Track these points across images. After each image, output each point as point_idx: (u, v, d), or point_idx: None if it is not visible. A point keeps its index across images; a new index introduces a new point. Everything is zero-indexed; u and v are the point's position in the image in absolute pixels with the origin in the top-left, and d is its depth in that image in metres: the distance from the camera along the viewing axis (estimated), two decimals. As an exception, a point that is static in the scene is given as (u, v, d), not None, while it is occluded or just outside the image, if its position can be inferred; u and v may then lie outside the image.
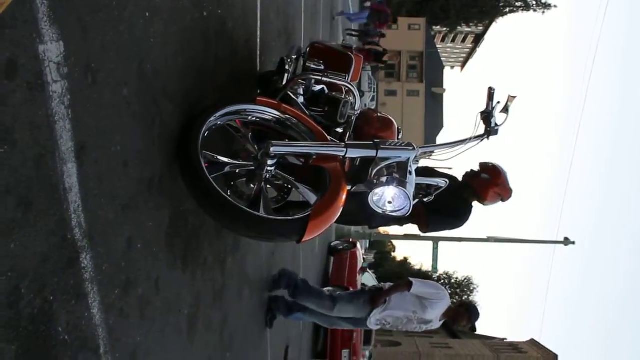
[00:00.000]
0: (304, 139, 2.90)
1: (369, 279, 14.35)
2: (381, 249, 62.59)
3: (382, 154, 2.79)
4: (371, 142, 2.83)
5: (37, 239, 1.48)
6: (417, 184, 3.69)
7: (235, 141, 2.87)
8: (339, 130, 3.17)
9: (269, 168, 2.67)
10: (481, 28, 64.78)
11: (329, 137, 2.92)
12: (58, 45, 1.52)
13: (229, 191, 2.78)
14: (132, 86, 2.03)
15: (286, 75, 3.21)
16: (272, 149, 2.58)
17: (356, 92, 3.19)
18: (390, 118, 3.34)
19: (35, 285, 1.48)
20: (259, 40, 4.23)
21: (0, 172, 1.34)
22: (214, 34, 3.01)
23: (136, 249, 2.13)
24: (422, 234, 19.55)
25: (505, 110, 3.27)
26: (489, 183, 4.11)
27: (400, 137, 3.38)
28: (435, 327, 4.96)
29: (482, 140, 3.32)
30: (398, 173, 2.78)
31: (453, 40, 72.16)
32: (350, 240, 15.72)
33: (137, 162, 2.13)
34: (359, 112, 3.20)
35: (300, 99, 3.28)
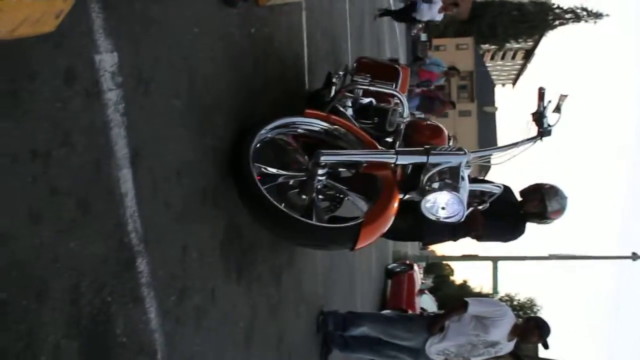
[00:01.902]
0: (354, 148, 2.91)
1: (427, 302, 14.06)
2: (439, 272, 61.37)
3: (433, 159, 2.76)
4: (422, 148, 2.81)
5: (95, 240, 1.54)
6: (470, 191, 3.65)
7: (286, 153, 2.90)
8: (389, 139, 3.17)
9: (319, 177, 2.68)
10: (531, 43, 63.66)
11: (379, 146, 2.92)
12: (112, 56, 1.60)
13: (282, 203, 2.81)
14: (184, 98, 2.10)
15: (333, 88, 3.25)
16: (322, 158, 2.59)
17: (404, 100, 3.18)
18: (440, 125, 3.31)
19: (94, 285, 1.53)
20: (306, 60, 4.31)
21: (61, 174, 1.40)
22: (261, 53, 3.08)
23: (191, 257, 2.17)
24: (479, 255, 19.08)
25: (558, 109, 3.18)
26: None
27: (451, 143, 3.34)
28: (507, 350, 4.60)
29: (535, 142, 3.24)
30: (450, 178, 2.74)
31: (503, 58, 71.07)
32: (407, 262, 15.51)
33: (190, 172, 2.18)
34: (407, 120, 3.19)
35: (349, 111, 3.31)
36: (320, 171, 2.67)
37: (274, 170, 2.73)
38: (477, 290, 49.54)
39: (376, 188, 2.73)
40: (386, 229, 2.62)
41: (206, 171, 2.35)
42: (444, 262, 38.90)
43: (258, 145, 2.65)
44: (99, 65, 1.55)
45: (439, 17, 11.56)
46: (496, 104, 57.37)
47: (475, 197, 3.67)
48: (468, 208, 3.73)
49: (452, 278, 62.40)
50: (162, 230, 1.94)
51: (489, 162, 3.14)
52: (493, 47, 64.99)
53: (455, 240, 4.60)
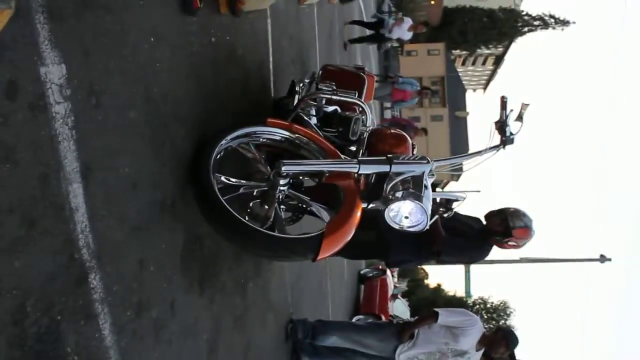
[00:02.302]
0: (317, 157, 2.90)
1: (400, 306, 14.12)
2: (413, 276, 61.74)
3: (395, 168, 2.77)
4: (384, 157, 2.81)
5: (42, 258, 1.50)
6: (435, 200, 3.67)
7: (249, 163, 2.87)
8: (353, 148, 3.17)
9: (281, 188, 2.67)
10: (501, 49, 64.63)
11: (342, 155, 2.92)
12: (60, 68, 1.56)
13: (244, 213, 2.78)
14: (139, 109, 2.07)
15: (297, 96, 3.24)
16: (283, 168, 2.58)
17: (367, 109, 3.19)
18: (404, 134, 3.32)
19: (41, 303, 1.48)
20: (271, 66, 4.29)
21: (1, 191, 1.36)
22: (223, 61, 3.06)
23: (148, 271, 2.14)
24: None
25: (520, 118, 3.24)
26: (513, 246, 4.06)
27: (414, 152, 3.36)
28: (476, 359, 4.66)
29: (498, 150, 3.29)
30: (413, 187, 2.75)
31: (473, 63, 71.98)
32: (380, 267, 15.56)
33: (147, 184, 2.15)
34: (370, 129, 3.19)
35: (314, 120, 3.30)
36: (282, 181, 2.65)
37: (234, 181, 2.70)
38: (451, 293, 49.91)
39: (339, 198, 2.72)
40: (348, 238, 2.61)
41: (164, 183, 2.32)
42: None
43: (219, 155, 2.62)
44: (45, 78, 1.51)
45: (407, 36, 11.36)
46: (468, 109, 58.02)
47: (439, 205, 3.71)
48: (432, 216, 3.77)
49: (426, 282, 62.83)
50: (117, 244, 1.90)
51: (452, 170, 3.16)
52: (464, 52, 65.81)
53: (419, 261, 4.61)
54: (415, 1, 53.73)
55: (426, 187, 2.84)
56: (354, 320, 11.47)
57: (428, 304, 48.96)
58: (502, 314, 48.81)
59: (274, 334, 4.31)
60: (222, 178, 2.64)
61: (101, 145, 1.81)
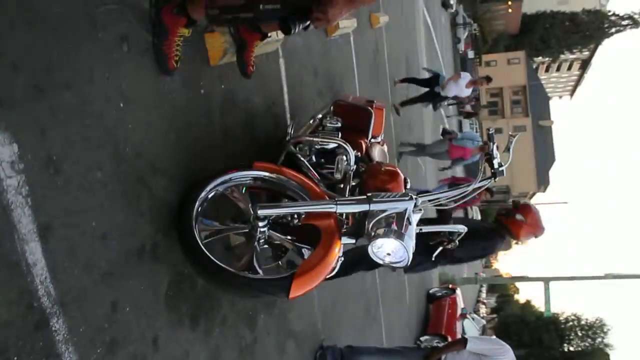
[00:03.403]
0: (302, 198, 3.06)
1: (469, 326, 13.78)
2: (503, 292, 59.54)
3: (375, 207, 2.88)
4: (363, 197, 2.93)
5: (-5, 309, 1.76)
6: (438, 232, 3.72)
7: (234, 205, 3.08)
8: (341, 186, 3.31)
9: (261, 229, 2.85)
10: (587, 53, 61.73)
11: (326, 195, 3.06)
12: (10, 148, 1.85)
13: (232, 256, 2.97)
14: (107, 169, 2.33)
15: (287, 137, 3.43)
16: (259, 212, 2.77)
17: (349, 149, 3.32)
18: (396, 170, 3.41)
19: (-7, 348, 1.75)
20: (287, 104, 4.51)
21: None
22: (217, 109, 3.31)
23: (123, 312, 2.38)
24: (528, 276, 18.50)
25: (507, 149, 3.26)
26: (522, 223, 4.23)
27: (408, 187, 3.44)
28: None
29: (489, 183, 3.30)
30: (397, 224, 2.84)
31: (558, 69, 69.20)
32: (450, 286, 15.31)
33: (121, 234, 2.40)
34: (353, 168, 3.31)
35: (308, 159, 3.47)
36: (260, 224, 2.84)
37: (217, 225, 2.93)
38: (541, 309, 47.64)
39: (319, 237, 2.86)
40: (322, 277, 2.74)
41: (143, 231, 2.57)
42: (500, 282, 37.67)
43: (204, 202, 2.85)
44: (-6, 158, 1.79)
45: (466, 93, 10.39)
46: (553, 117, 55.82)
47: (443, 236, 3.76)
48: (438, 247, 3.81)
49: (516, 297, 60.45)
50: (84, 291, 2.16)
51: (439, 205, 3.21)
52: (547, 59, 63.44)
53: (435, 264, 4.70)
54: (491, 10, 52.61)
55: (410, 223, 2.93)
56: (420, 340, 11.40)
57: (517, 320, 47.23)
58: (597, 331, 45.95)
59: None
60: (206, 222, 2.87)
61: (62, 206, 2.07)
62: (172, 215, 2.77)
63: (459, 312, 13.43)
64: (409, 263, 2.92)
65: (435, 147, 9.98)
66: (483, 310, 31.69)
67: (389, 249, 2.85)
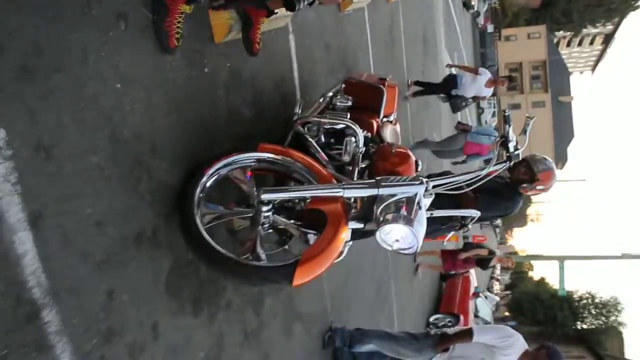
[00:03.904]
0: (309, 181, 2.96)
1: (482, 305, 13.73)
2: (518, 268, 59.41)
3: (384, 191, 2.77)
4: (372, 181, 2.82)
5: (-20, 302, 1.69)
6: (450, 217, 3.60)
7: (238, 188, 2.98)
8: (350, 168, 3.20)
9: (265, 214, 2.76)
10: (610, 27, 60.18)
11: (333, 178, 2.95)
12: (-3, 132, 1.75)
13: (236, 242, 2.88)
14: (104, 153, 2.24)
15: (294, 117, 3.31)
16: (263, 196, 2.67)
17: (358, 131, 3.19)
18: (407, 152, 3.29)
19: (-21, 343, 1.68)
20: (297, 82, 4.37)
21: None
22: (222, 87, 3.19)
23: (120, 300, 2.31)
24: (543, 255, 18.30)
25: (524, 132, 3.12)
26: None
27: (419, 169, 3.31)
28: None
29: (504, 167, 3.17)
30: (406, 209, 2.73)
31: (580, 44, 67.65)
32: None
33: (119, 220, 2.32)
34: (362, 150, 3.19)
35: (316, 140, 3.36)
36: (264, 208, 2.74)
37: (221, 209, 2.83)
38: (555, 287, 47.53)
39: (326, 222, 2.76)
40: (328, 264, 2.65)
41: (143, 215, 2.48)
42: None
43: (207, 184, 2.76)
44: (-21, 145, 1.70)
45: (487, 92, 9.30)
46: (573, 93, 54.81)
47: (455, 221, 3.64)
48: (450, 231, 3.69)
49: (530, 274, 60.26)
50: (78, 280, 2.09)
51: (450, 190, 3.08)
52: (568, 33, 62.01)
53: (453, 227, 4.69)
54: (513, -16, 51.39)
55: (420, 207, 2.81)
56: (431, 319, 11.35)
57: (530, 298, 47.13)
58: (611, 310, 45.76)
59: (305, 344, 4.41)
60: (210, 206, 2.78)
61: (54, 193, 1.99)
62: (174, 198, 2.69)
63: (472, 290, 13.34)
64: (419, 248, 2.82)
65: (449, 143, 9.16)
66: (497, 287, 31.63)
67: (397, 235, 2.75)
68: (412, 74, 10.20)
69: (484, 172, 3.06)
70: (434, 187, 2.96)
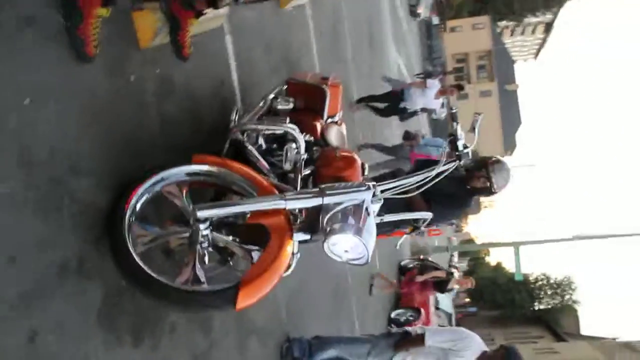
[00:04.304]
0: (249, 193, 2.77)
1: (442, 298, 13.79)
2: (475, 255, 60.58)
3: (329, 200, 2.61)
4: (315, 190, 2.66)
5: None
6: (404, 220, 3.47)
7: (173, 205, 2.75)
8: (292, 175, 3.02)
9: (202, 233, 2.55)
10: (550, 16, 62.00)
11: (275, 188, 2.76)
12: None
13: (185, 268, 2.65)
14: (13, 179, 1.99)
15: (231, 124, 3.11)
16: (198, 214, 2.47)
17: (298, 136, 3.02)
18: (352, 155, 3.13)
19: None
20: (236, 84, 4.16)
21: None
22: (152, 96, 2.96)
23: (44, 341, 2.07)
24: (499, 242, 18.55)
25: (472, 129, 3.02)
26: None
27: (366, 174, 3.17)
28: None
29: (454, 167, 3.06)
30: (354, 217, 2.58)
31: (522, 33, 69.47)
32: (421, 257, 15.23)
33: (35, 252, 2.07)
34: (304, 157, 3.02)
35: (262, 145, 3.17)
36: (202, 226, 2.53)
37: (155, 230, 2.62)
38: (512, 271, 48.77)
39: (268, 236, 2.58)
40: (273, 284, 2.47)
41: (66, 243, 2.24)
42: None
43: (139, 204, 2.54)
44: None
45: (436, 104, 8.80)
46: (518, 80, 56.22)
47: (407, 223, 3.52)
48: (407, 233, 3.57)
49: (487, 260, 61.59)
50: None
51: (399, 193, 2.95)
52: (511, 23, 63.59)
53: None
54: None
55: (369, 214, 2.67)
56: (392, 315, 11.31)
57: (489, 283, 48.09)
58: (566, 289, 47.26)
59: (262, 358, 4.22)
60: (143, 227, 2.56)
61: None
62: (102, 220, 2.45)
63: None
64: (369, 259, 2.68)
65: (396, 151, 8.90)
66: (456, 274, 32.05)
67: (346, 246, 2.60)
68: (358, 70, 10.08)
69: (433, 173, 2.95)
70: (382, 191, 2.83)
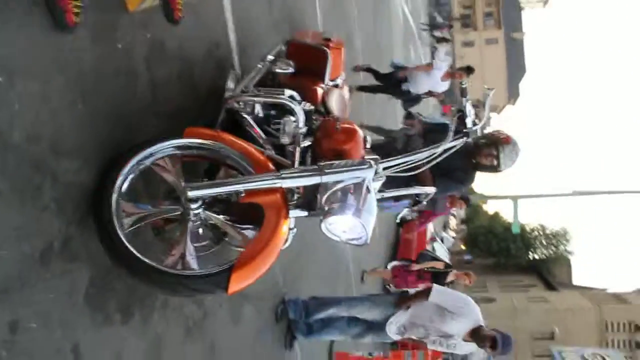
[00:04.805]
0: (245, 168, 2.64)
1: (439, 249, 13.87)
2: (472, 203, 60.66)
3: (328, 178, 2.50)
4: (314, 167, 2.54)
5: None
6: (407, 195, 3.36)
7: (165, 181, 2.63)
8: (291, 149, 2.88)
9: (194, 212, 2.45)
10: (562, -41, 59.94)
11: (270, 163, 2.64)
12: None
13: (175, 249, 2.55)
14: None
15: (226, 92, 2.95)
16: (189, 194, 2.36)
17: (297, 108, 2.87)
18: (354, 127, 2.98)
19: None
20: (234, 45, 3.96)
21: None
22: (142, 63, 2.79)
23: (27, 330, 2.00)
24: (499, 195, 18.56)
25: (483, 105, 2.87)
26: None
27: (368, 146, 3.03)
28: (460, 350, 4.42)
29: (461, 143, 2.92)
30: (353, 197, 2.47)
31: (532, -22, 67.38)
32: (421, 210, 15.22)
33: (14, 240, 1.97)
34: (304, 129, 2.88)
35: (259, 114, 3.03)
36: (193, 205, 2.43)
37: (144, 208, 2.51)
38: (509, 221, 49.13)
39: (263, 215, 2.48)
40: (268, 266, 2.39)
41: (48, 227, 2.14)
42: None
43: (128, 179, 2.42)
44: None
45: (443, 87, 8.03)
46: (525, 28, 54.97)
47: (409, 197, 3.42)
48: (404, 208, 3.47)
49: (485, 208, 61.90)
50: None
51: (402, 171, 2.82)
52: (520, -32, 61.57)
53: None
54: None
55: (369, 191, 2.57)
56: (389, 267, 11.38)
57: (485, 231, 48.52)
58: (561, 239, 47.74)
59: (256, 323, 4.21)
60: (132, 205, 2.45)
61: None
62: (89, 198, 2.34)
63: (429, 236, 13.44)
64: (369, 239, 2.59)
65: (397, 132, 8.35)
66: (453, 222, 32.25)
67: (345, 227, 2.51)
68: (361, 26, 9.70)
69: (440, 150, 2.81)
70: (384, 169, 2.71)
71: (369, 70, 8.50)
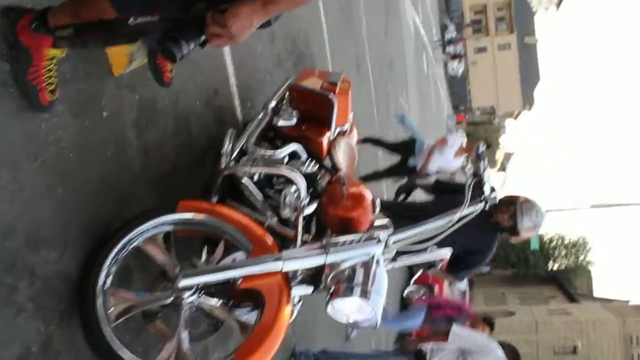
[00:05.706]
0: (242, 245, 2.42)
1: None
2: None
3: (333, 257, 2.27)
4: (318, 245, 2.31)
5: None
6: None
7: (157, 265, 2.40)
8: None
9: (187, 302, 2.22)
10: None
11: (270, 241, 2.40)
12: None
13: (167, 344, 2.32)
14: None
15: (222, 159, 2.73)
16: (180, 284, 2.13)
17: (298, 179, 2.64)
18: (361, 191, 2.72)
19: None
20: (234, 89, 3.76)
21: None
22: (131, 127, 2.58)
23: None
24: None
25: (477, 158, 2.65)
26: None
27: (377, 212, 2.78)
28: None
29: (478, 211, 2.68)
30: (361, 277, 2.24)
31: (544, -19, 66.81)
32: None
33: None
34: (306, 201, 2.65)
35: (258, 178, 2.81)
36: (187, 293, 2.20)
37: (136, 295, 2.29)
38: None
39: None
40: (272, 354, 2.16)
41: (24, 331, 1.93)
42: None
43: (112, 269, 2.21)
44: None
45: (455, 165, 6.57)
46: (538, 33, 54.55)
47: (421, 265, 3.18)
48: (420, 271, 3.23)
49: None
50: None
51: (414, 244, 2.58)
52: (531, -30, 61.13)
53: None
54: None
55: (378, 265, 2.33)
56: (405, 293, 11.06)
57: (502, 243, 47.44)
58: (580, 249, 46.91)
59: None
60: (120, 294, 2.23)
61: None
62: (71, 291, 2.13)
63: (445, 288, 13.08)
64: (379, 322, 2.35)
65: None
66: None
67: (352, 308, 2.27)
68: (372, 41, 9.50)
69: (456, 217, 2.56)
70: (394, 242, 2.47)
71: (374, 142, 7.44)
